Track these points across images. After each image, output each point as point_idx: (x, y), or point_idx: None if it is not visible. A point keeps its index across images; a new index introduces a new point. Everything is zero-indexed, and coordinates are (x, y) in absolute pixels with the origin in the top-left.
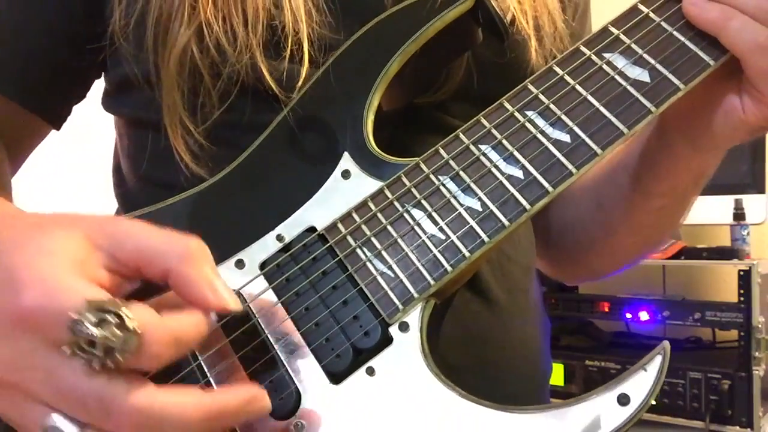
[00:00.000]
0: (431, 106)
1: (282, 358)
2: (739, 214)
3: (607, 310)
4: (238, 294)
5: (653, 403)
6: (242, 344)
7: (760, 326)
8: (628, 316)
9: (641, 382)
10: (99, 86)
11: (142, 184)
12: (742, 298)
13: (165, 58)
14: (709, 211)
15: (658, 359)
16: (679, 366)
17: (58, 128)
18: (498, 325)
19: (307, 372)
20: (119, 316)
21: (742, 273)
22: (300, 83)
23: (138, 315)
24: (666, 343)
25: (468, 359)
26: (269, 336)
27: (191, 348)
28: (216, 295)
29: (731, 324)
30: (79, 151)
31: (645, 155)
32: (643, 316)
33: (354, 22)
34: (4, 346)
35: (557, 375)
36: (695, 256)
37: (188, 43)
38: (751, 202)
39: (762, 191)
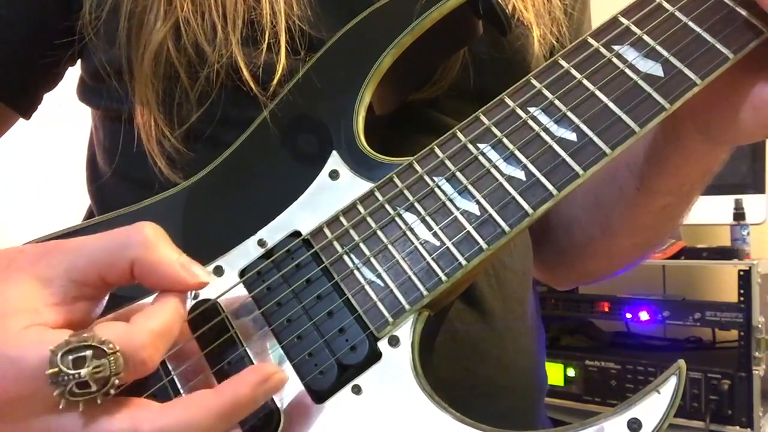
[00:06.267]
0: (423, 103)
1: None
2: (739, 214)
3: (607, 310)
4: (215, 303)
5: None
6: (218, 357)
7: (760, 326)
8: (628, 316)
9: (654, 406)
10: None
11: (116, 179)
12: (742, 298)
13: (139, 55)
14: (709, 211)
15: (673, 380)
16: None
17: (27, 117)
18: (492, 338)
19: (287, 390)
20: (91, 346)
21: (742, 273)
22: (276, 80)
23: (106, 333)
24: (681, 363)
25: (459, 374)
26: (247, 349)
27: (178, 332)
28: (190, 273)
29: (731, 324)
30: (55, 142)
31: (652, 150)
32: (643, 316)
33: (340, 17)
34: None
35: (557, 375)
36: (695, 256)
37: (164, 40)
38: (751, 202)
39: (762, 191)
